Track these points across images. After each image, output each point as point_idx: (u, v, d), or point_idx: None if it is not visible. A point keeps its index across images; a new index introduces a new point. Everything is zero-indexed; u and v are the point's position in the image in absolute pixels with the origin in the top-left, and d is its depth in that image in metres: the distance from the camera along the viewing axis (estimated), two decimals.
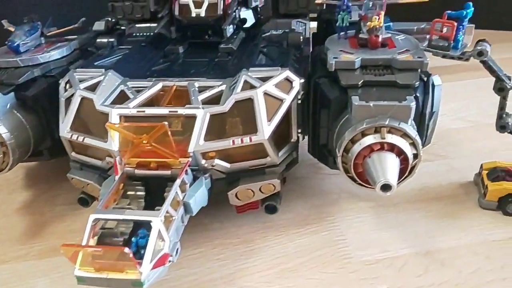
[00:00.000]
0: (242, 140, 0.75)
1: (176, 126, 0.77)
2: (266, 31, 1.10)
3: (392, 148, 0.73)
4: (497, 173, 0.90)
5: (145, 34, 1.16)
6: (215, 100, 0.80)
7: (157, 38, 1.12)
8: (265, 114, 0.77)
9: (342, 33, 0.92)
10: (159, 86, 0.85)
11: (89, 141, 0.79)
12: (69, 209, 0.98)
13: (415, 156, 0.75)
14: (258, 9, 1.15)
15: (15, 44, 0.97)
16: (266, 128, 0.76)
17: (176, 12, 1.02)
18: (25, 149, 0.91)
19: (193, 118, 0.76)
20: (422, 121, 0.80)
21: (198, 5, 1.00)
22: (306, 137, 0.91)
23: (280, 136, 0.83)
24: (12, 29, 1.10)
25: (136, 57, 0.99)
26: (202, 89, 0.83)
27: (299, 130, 0.86)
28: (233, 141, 0.75)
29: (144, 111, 0.77)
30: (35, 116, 0.93)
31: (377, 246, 0.83)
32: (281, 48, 0.97)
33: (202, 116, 0.75)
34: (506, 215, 0.88)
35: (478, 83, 1.18)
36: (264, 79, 0.81)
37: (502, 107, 0.87)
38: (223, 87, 0.82)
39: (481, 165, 0.95)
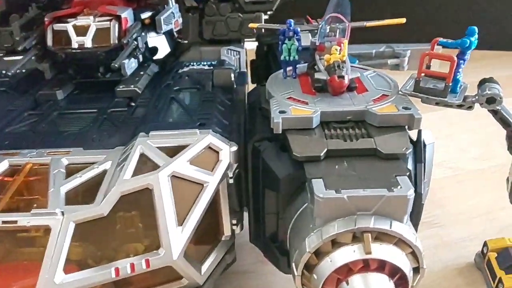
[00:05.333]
0: (133, 267, 0.44)
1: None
2: (185, 64, 0.80)
3: (383, 265, 0.45)
4: (511, 258, 0.65)
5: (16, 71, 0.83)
6: (91, 191, 0.49)
7: (31, 77, 0.79)
8: (174, 215, 0.47)
9: (289, 68, 0.64)
10: (3, 165, 0.52)
11: None
12: None
13: (416, 270, 0.48)
14: (175, 33, 0.86)
15: None
16: (175, 239, 0.46)
17: (49, 42, 0.70)
18: None
19: (46, 231, 0.44)
20: (417, 204, 0.53)
21: (82, 32, 0.69)
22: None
23: (204, 236, 0.53)
24: None
25: None
26: (73, 169, 0.51)
27: (234, 221, 0.57)
28: (117, 270, 0.44)
29: None
30: None
31: None
32: (203, 93, 0.67)
33: (61, 227, 0.44)
34: None
35: (449, 115, 0.94)
36: (172, 151, 0.51)
37: None
38: (107, 165, 0.51)
39: (485, 242, 0.70)
